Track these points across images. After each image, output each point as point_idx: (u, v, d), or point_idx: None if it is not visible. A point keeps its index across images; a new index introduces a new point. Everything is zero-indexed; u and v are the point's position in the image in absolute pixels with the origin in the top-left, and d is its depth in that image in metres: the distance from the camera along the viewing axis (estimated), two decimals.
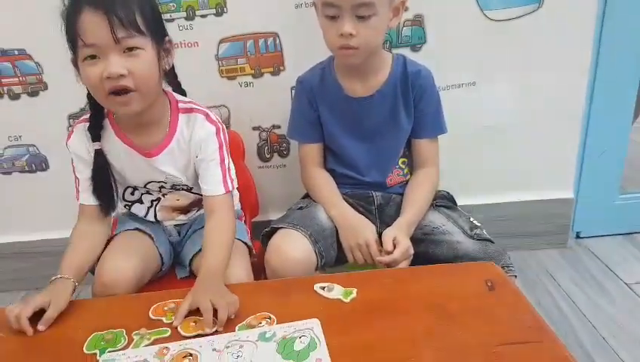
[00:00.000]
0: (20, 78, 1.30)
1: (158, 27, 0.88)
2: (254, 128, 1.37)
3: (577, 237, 1.58)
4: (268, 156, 1.41)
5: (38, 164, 1.40)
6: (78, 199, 0.96)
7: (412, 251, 0.95)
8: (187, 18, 1.25)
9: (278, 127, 1.37)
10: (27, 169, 1.40)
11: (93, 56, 0.81)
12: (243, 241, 1.02)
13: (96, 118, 0.93)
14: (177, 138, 0.94)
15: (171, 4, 1.23)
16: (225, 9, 1.24)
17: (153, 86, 0.88)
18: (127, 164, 0.96)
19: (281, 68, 1.31)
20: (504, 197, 1.47)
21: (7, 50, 1.27)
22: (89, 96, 0.89)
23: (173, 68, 0.96)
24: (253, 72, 1.31)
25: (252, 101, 1.33)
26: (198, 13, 1.24)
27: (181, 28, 1.26)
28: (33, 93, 1.32)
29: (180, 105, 0.96)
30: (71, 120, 1.34)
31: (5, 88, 1.31)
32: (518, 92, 1.36)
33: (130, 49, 0.82)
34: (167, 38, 0.90)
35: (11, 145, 1.37)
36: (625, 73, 1.38)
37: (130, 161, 0.95)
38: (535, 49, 1.31)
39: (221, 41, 1.27)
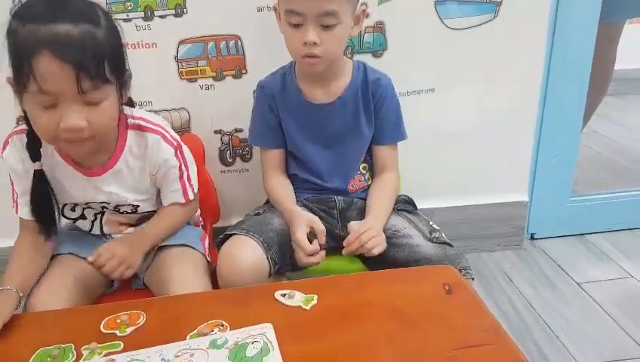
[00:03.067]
0: None
1: (122, 66, 0.81)
2: (216, 132, 1.35)
3: (532, 238, 1.64)
4: (230, 160, 1.39)
5: None
6: (16, 212, 0.91)
7: (380, 232, 0.96)
8: (145, 18, 1.21)
9: (240, 130, 1.35)
10: None
11: (48, 104, 0.74)
12: (199, 251, 0.99)
13: (34, 135, 0.82)
14: (125, 157, 0.89)
15: (128, 3, 1.19)
16: (185, 10, 1.22)
17: (111, 130, 0.84)
18: (66, 182, 0.90)
19: (244, 71, 1.29)
20: (462, 201, 1.50)
21: None
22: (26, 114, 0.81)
23: None
24: (214, 74, 1.29)
25: (213, 104, 1.31)
26: (156, 13, 1.21)
27: (139, 28, 1.21)
28: None
29: (130, 120, 0.90)
30: (20, 123, 1.27)
31: None
32: (475, 98, 1.40)
33: (94, 102, 0.76)
34: (127, 73, 0.83)
35: None
36: (575, 81, 1.45)
37: (71, 180, 0.89)
38: (491, 57, 1.35)
39: (181, 43, 1.24)
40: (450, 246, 0.98)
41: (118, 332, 0.73)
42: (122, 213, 0.96)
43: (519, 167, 1.51)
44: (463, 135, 1.42)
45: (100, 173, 0.88)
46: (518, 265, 1.52)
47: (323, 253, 0.96)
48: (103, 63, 0.74)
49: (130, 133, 0.90)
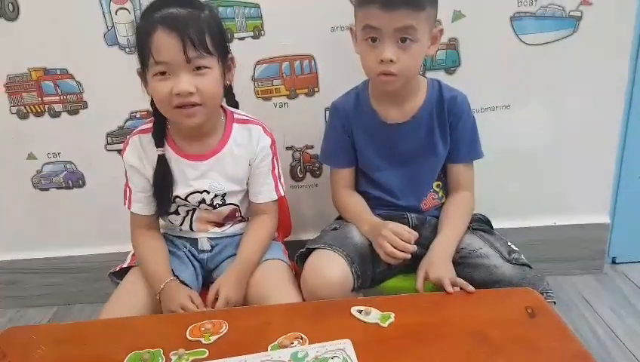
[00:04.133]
0: (61, 97, 1.34)
1: (224, 46, 0.94)
2: (288, 148, 1.39)
3: (613, 262, 1.54)
4: (300, 176, 1.42)
5: (75, 180, 1.43)
6: (129, 208, 1.03)
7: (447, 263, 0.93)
8: None
9: (311, 147, 1.38)
10: (64, 185, 1.43)
11: (162, 73, 0.88)
12: (286, 263, 1.04)
13: (160, 124, 0.99)
14: (230, 145, 1.00)
15: None
16: (262, 32, 1.27)
17: (217, 101, 0.95)
18: (176, 174, 1.00)
19: (316, 89, 1.33)
20: (539, 221, 1.44)
21: (50, 70, 1.32)
22: (153, 104, 0.96)
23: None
24: (288, 92, 1.33)
25: (286, 121, 1.34)
26: (236, 35, 1.27)
27: None
28: (73, 112, 1.36)
29: (236, 116, 1.04)
30: (109, 138, 1.38)
31: (46, 106, 1.35)
32: (553, 115, 1.35)
33: (199, 68, 0.89)
34: (230, 56, 0.97)
35: (50, 161, 1.41)
36: None
37: (180, 171, 1.00)
38: (570, 72, 1.30)
39: (257, 63, 1.30)
40: (530, 267, 0.95)
41: (202, 340, 0.76)
42: (215, 206, 1.03)
43: (600, 187, 1.43)
44: (540, 152, 1.37)
45: (207, 156, 0.99)
46: (599, 291, 1.43)
47: (416, 247, 0.94)
48: (204, 33, 0.87)
49: (236, 126, 1.02)
